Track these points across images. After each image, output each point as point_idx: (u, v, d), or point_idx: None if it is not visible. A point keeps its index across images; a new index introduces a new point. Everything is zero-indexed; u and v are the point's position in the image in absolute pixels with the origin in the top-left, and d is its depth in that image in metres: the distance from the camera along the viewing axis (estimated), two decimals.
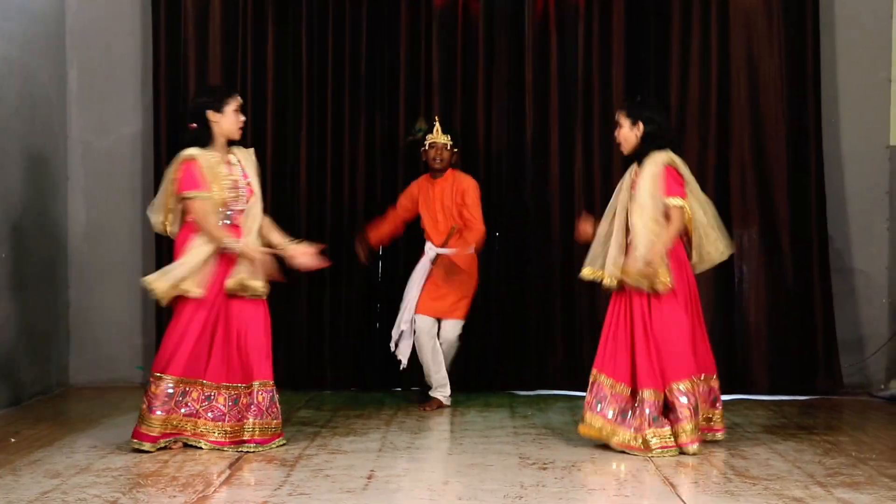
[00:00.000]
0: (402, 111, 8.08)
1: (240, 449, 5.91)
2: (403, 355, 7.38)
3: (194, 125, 6.07)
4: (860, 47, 8.12)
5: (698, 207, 6.03)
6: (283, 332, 7.78)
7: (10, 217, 7.24)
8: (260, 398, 5.95)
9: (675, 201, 5.91)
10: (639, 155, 6.06)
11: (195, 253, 5.92)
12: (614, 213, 6.09)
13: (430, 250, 7.35)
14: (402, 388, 8.08)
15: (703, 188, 7.69)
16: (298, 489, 5.16)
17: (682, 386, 5.87)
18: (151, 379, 5.96)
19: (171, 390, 5.91)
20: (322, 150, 8.09)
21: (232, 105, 6.09)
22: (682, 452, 5.82)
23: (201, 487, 5.15)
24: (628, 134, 6.10)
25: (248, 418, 5.93)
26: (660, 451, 5.81)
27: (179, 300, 5.93)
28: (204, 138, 6.05)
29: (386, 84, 8.12)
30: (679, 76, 7.99)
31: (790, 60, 7.95)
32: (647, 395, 5.89)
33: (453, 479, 5.37)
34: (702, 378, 6.00)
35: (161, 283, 5.90)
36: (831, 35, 8.10)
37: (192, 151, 6.00)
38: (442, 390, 7.36)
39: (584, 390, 7.80)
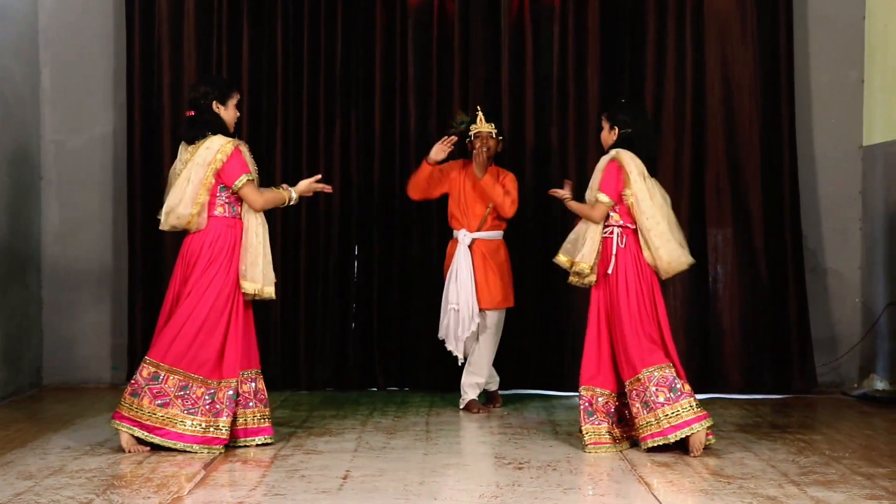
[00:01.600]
0: (378, 110, 8.07)
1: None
2: (461, 351, 7.26)
3: (193, 113, 6.09)
4: (833, 48, 8.16)
5: (641, 213, 6.02)
6: (259, 332, 7.69)
7: None
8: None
9: (601, 196, 6.02)
10: None
11: (266, 246, 6.12)
12: None
13: (466, 237, 7.19)
14: (378, 389, 8.08)
15: (679, 189, 7.83)
16: (274, 489, 5.15)
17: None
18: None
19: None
20: (297, 150, 8.07)
21: (234, 100, 6.17)
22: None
23: (175, 489, 5.13)
24: (606, 137, 6.22)
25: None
26: (592, 446, 5.97)
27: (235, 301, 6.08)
28: (221, 127, 6.10)
29: (361, 83, 8.11)
30: (654, 77, 8.01)
31: (764, 61, 7.99)
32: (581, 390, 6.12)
33: (429, 479, 5.36)
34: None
35: (269, 287, 6.12)
36: (804, 36, 8.14)
37: (233, 140, 6.06)
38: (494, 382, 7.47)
39: (561, 390, 7.90)
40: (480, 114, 7.27)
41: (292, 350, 8.10)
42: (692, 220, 7.94)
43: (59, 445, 6.08)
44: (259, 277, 6.05)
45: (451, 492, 5.12)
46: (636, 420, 5.91)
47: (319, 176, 6.44)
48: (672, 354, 5.98)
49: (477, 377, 7.26)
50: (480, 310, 7.18)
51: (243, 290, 6.05)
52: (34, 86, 8.09)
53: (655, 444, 5.83)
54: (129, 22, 8.07)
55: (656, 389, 5.84)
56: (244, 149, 6.09)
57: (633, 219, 6.03)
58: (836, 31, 8.16)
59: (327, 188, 6.50)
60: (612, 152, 6.08)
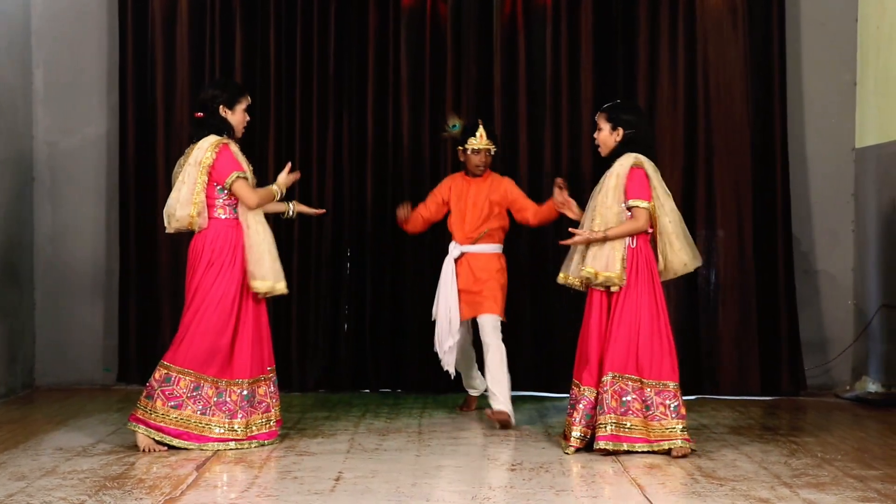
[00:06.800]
0: (371, 112, 8.07)
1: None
2: (451, 366, 7.09)
3: (201, 115, 6.14)
4: (825, 50, 8.18)
5: (665, 215, 6.03)
6: None
7: None
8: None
9: (639, 203, 5.94)
10: (614, 158, 6.09)
11: (271, 243, 6.16)
12: (591, 219, 6.08)
13: (455, 249, 7.07)
14: (371, 390, 8.08)
15: (671, 190, 7.78)
16: (266, 491, 5.15)
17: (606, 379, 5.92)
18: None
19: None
20: (290, 152, 8.05)
21: (243, 104, 6.22)
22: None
23: (168, 490, 5.13)
24: (607, 138, 6.14)
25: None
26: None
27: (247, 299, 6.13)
28: (227, 129, 6.15)
29: (354, 84, 8.11)
30: (647, 78, 8.02)
31: (756, 64, 8.00)
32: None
33: (421, 481, 5.36)
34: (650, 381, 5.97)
35: (281, 283, 6.15)
36: (797, 39, 8.15)
37: (221, 138, 6.09)
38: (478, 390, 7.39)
39: (553, 391, 7.90)
40: (483, 129, 7.05)
41: (284, 351, 8.07)
42: (684, 222, 7.94)
43: (51, 446, 6.07)
44: (268, 275, 6.09)
45: (443, 493, 5.12)
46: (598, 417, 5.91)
47: (289, 164, 6.43)
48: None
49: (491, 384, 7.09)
50: (469, 320, 7.10)
51: (255, 290, 6.09)
52: (27, 87, 8.08)
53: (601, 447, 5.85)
54: (122, 23, 8.06)
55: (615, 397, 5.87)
56: (234, 147, 6.13)
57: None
58: (828, 34, 8.17)
59: (320, 211, 6.83)
60: (632, 158, 6.00)
